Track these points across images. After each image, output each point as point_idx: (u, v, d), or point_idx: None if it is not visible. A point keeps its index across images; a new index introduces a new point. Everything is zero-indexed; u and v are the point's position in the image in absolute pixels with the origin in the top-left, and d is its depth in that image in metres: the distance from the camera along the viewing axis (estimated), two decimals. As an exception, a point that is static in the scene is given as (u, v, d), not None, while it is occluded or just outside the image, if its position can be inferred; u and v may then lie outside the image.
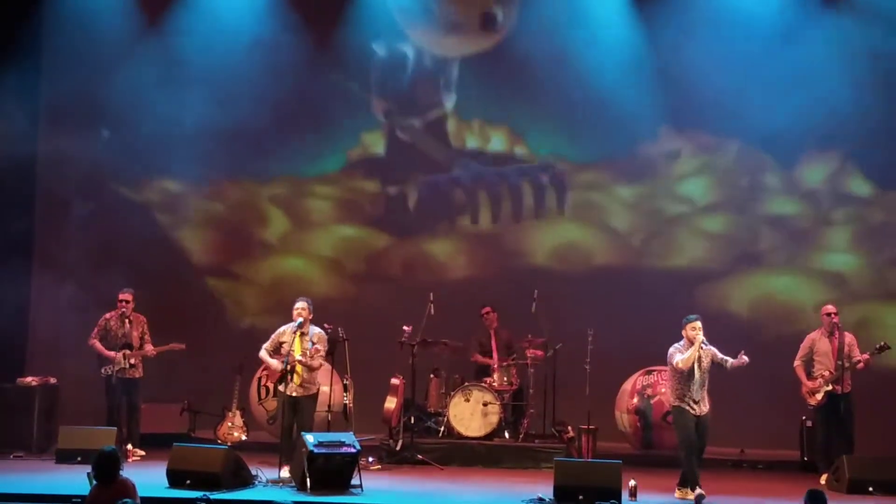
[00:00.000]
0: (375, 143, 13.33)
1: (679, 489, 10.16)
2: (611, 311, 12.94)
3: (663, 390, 12.34)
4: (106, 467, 7.54)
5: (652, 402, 12.45)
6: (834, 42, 12.09)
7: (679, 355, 10.03)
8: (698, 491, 9.95)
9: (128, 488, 7.51)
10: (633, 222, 12.85)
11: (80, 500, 8.65)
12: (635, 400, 12.55)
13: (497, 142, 13.13)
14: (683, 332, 10.12)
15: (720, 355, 10.07)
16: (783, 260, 12.56)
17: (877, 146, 12.07)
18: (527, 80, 12.65)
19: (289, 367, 10.53)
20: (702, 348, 10.01)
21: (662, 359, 11.76)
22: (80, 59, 14.09)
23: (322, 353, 10.71)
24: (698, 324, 10.05)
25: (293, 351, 10.59)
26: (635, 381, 12.67)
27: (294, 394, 10.60)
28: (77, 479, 8.88)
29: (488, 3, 13.12)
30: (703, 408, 10.07)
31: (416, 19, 13.19)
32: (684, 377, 10.04)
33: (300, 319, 10.60)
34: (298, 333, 10.61)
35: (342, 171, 13.39)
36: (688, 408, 10.05)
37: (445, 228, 13.35)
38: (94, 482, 7.60)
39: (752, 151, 12.48)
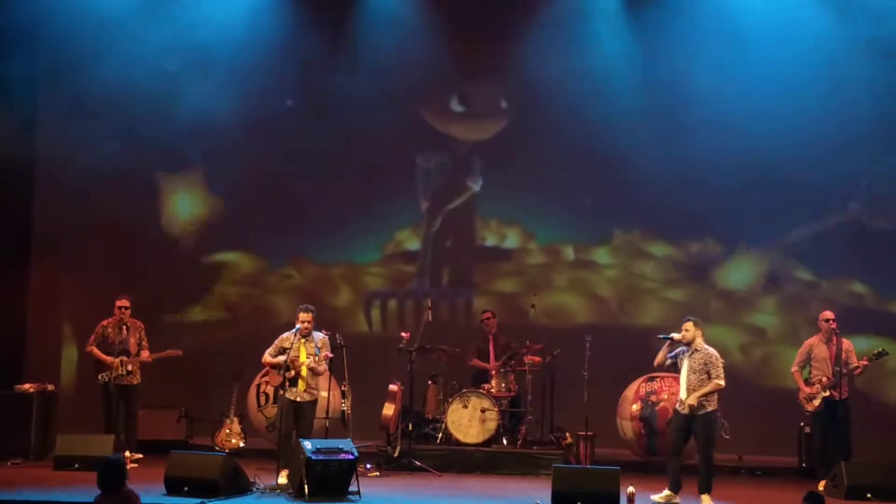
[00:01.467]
0: (407, 240, 15.01)
1: (702, 497, 10.16)
2: (606, 326, 13.82)
3: (666, 396, 12.35)
4: (111, 475, 7.49)
5: (656, 408, 12.43)
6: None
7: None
8: (665, 492, 10.14)
9: (132, 500, 7.47)
10: (613, 292, 14.63)
11: None
12: (635, 407, 12.53)
13: (511, 239, 14.89)
14: None
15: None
16: (722, 318, 14.26)
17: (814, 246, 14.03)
18: (536, 181, 14.44)
19: (293, 371, 10.58)
20: (697, 350, 10.15)
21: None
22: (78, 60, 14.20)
23: (330, 356, 10.86)
24: (686, 324, 10.26)
25: (297, 356, 10.64)
26: (637, 387, 12.66)
27: (298, 399, 10.64)
28: (75, 486, 8.88)
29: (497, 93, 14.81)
30: (692, 407, 10.09)
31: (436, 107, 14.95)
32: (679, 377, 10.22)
33: (298, 326, 10.66)
34: (302, 341, 10.66)
35: (383, 259, 15.03)
36: (678, 407, 10.22)
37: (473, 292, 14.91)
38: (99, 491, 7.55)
39: (711, 248, 14.44)
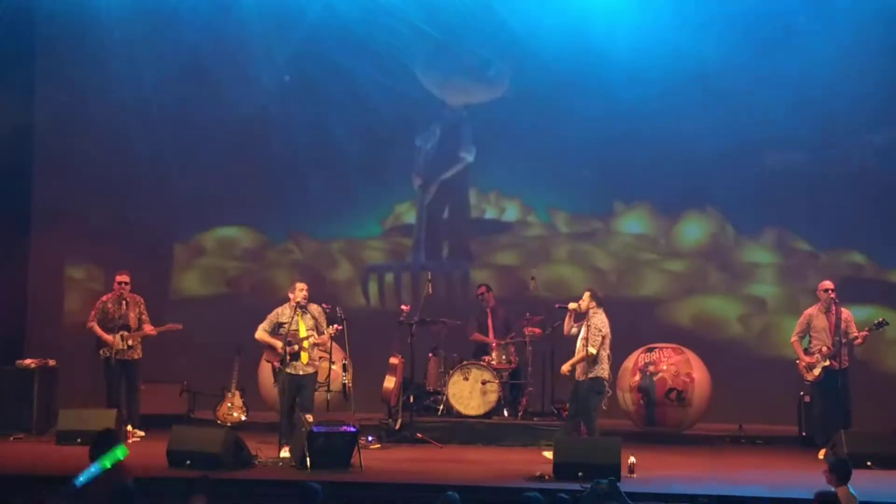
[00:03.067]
0: (406, 213, 14.95)
1: None
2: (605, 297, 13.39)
3: (665, 367, 12.39)
4: (103, 446, 7.50)
5: (654, 379, 12.45)
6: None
7: None
8: None
9: (124, 472, 7.47)
10: (612, 264, 14.55)
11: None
12: (637, 377, 12.56)
13: (511, 211, 14.83)
14: None
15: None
16: (721, 289, 14.38)
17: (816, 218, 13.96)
18: (534, 153, 14.31)
19: (296, 346, 10.60)
20: (588, 320, 10.63)
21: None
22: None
23: (339, 328, 10.92)
24: (585, 294, 10.83)
25: (297, 330, 10.65)
26: (637, 358, 12.67)
27: (301, 372, 10.67)
28: (77, 461, 8.87)
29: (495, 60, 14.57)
30: (579, 374, 10.64)
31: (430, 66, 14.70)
32: None
33: (297, 298, 10.70)
34: (299, 313, 10.67)
35: (383, 233, 15.00)
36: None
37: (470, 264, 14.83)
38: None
39: (716, 219, 14.42)
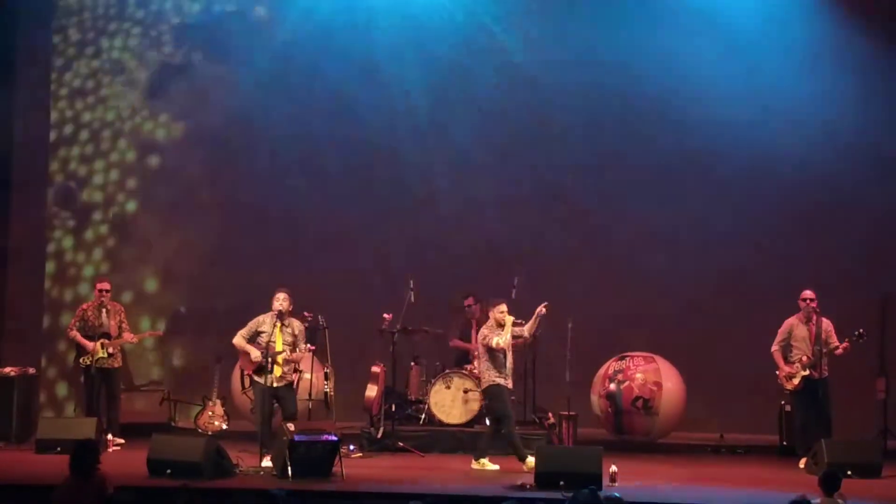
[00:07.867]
0: None
1: (481, 461, 10.87)
2: (589, 297, 13.54)
3: (639, 375, 12.39)
4: (82, 458, 7.49)
5: (622, 387, 12.45)
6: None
7: (496, 337, 10.69)
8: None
9: (104, 486, 7.45)
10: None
11: None
12: (610, 385, 12.57)
13: None
14: (492, 315, 10.82)
15: (518, 329, 10.80)
16: None
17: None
18: None
19: (270, 359, 10.55)
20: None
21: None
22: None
23: (312, 348, 10.97)
24: (504, 307, 10.82)
25: (274, 343, 10.61)
26: (608, 366, 12.70)
27: (275, 384, 10.64)
28: (57, 469, 8.84)
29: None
30: (511, 382, 10.91)
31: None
32: (501, 355, 10.73)
33: (280, 310, 10.65)
34: (279, 325, 10.63)
35: None
36: (503, 382, 10.76)
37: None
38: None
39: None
